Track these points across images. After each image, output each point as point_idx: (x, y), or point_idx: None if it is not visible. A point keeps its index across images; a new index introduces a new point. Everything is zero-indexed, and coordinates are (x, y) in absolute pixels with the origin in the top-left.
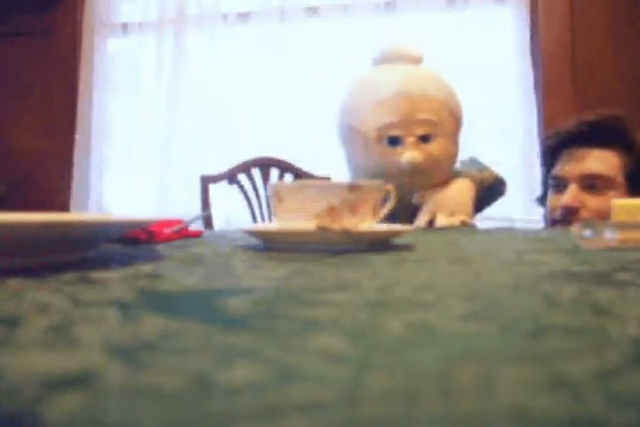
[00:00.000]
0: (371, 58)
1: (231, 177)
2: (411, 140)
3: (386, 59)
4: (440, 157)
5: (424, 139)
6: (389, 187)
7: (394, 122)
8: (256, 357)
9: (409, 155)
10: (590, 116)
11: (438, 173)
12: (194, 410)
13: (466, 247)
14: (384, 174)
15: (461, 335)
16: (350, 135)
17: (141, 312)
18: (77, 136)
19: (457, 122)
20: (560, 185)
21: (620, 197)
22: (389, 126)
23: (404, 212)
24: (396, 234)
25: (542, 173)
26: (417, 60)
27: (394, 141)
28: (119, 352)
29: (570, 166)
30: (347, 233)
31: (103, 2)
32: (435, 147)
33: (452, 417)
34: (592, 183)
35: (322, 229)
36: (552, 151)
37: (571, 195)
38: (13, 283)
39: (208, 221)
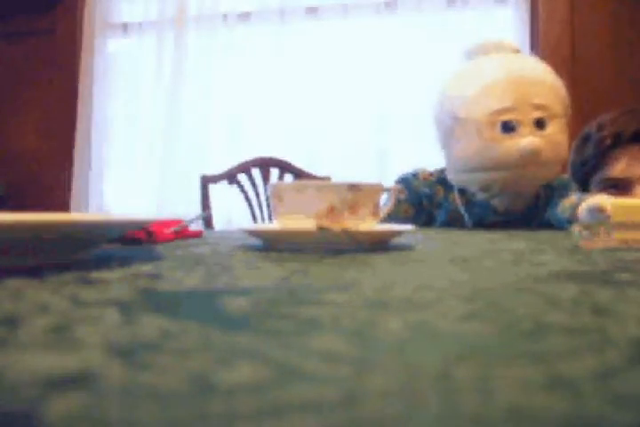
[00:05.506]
0: (462, 53)
1: (231, 177)
2: (527, 124)
3: (483, 51)
4: (558, 143)
5: (538, 124)
6: (391, 187)
7: (507, 106)
8: (256, 357)
9: (529, 140)
10: None
11: (557, 164)
12: (194, 410)
13: (466, 247)
14: (499, 165)
15: (461, 335)
16: (456, 126)
17: (141, 312)
18: (77, 136)
19: (565, 109)
20: (618, 187)
21: None
22: (503, 111)
23: (521, 205)
24: (395, 234)
25: (584, 173)
26: (515, 51)
27: (507, 128)
28: (119, 352)
29: (635, 167)
30: (347, 233)
31: (103, 2)
32: (551, 132)
33: (452, 417)
34: None
35: (322, 229)
36: (604, 152)
37: None
38: (13, 283)
39: (208, 221)
